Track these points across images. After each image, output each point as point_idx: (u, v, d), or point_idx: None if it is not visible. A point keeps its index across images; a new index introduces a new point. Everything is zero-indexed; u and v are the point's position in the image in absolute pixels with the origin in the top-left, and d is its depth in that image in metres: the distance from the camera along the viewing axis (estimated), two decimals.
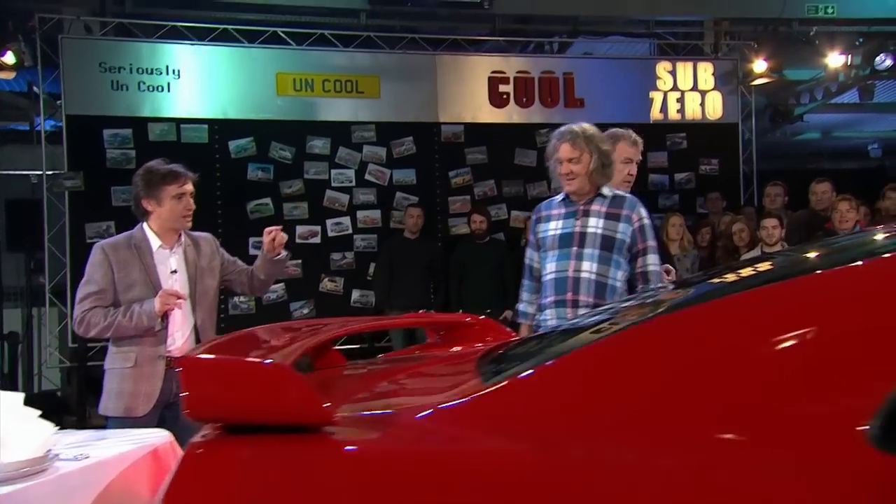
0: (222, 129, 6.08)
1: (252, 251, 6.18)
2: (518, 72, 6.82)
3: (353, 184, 6.44)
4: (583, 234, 2.69)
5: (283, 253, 2.93)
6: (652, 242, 2.74)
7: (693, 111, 7.14)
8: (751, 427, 0.97)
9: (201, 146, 6.01)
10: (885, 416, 0.93)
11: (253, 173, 6.18)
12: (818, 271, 1.23)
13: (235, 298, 6.00)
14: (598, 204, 2.73)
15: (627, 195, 2.81)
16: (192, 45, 6.04)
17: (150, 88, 5.87)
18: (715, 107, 7.20)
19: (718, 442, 0.97)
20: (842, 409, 0.95)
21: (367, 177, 6.47)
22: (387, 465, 1.08)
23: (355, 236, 6.43)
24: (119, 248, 2.78)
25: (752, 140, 7.46)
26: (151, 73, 5.86)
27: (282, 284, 6.22)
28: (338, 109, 6.39)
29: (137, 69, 5.84)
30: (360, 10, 6.79)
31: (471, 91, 6.73)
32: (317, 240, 6.33)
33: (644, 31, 7.60)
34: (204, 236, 3.00)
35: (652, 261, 2.72)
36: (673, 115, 7.09)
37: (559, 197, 2.84)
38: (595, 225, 2.69)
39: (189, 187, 2.84)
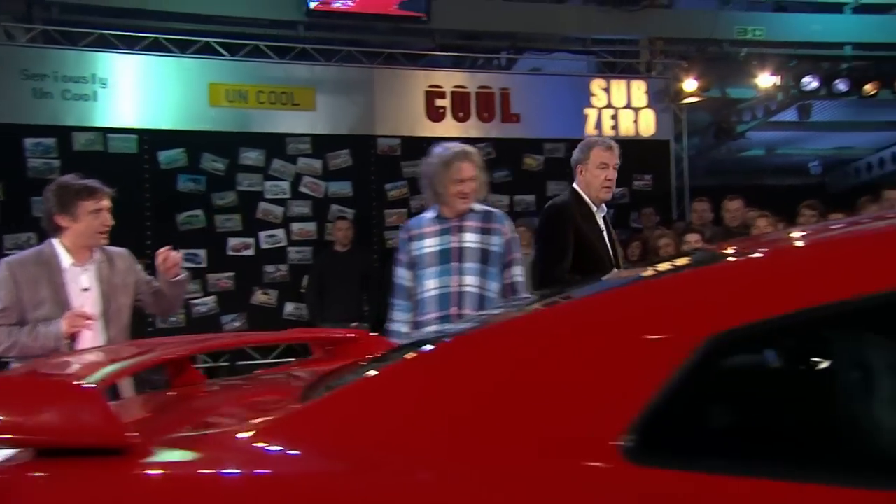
0: (152, 139, 5.98)
1: (183, 263, 6.11)
2: (455, 86, 6.89)
3: (288, 196, 6.40)
4: (461, 250, 2.76)
5: (182, 274, 2.88)
6: (517, 255, 2.87)
7: (627, 128, 7.30)
8: (515, 444, 0.99)
9: (130, 156, 5.90)
10: (639, 429, 0.97)
11: (184, 184, 6.09)
12: (583, 295, 1.28)
13: None
14: (472, 219, 2.83)
15: (495, 210, 2.92)
16: (120, 53, 5.95)
17: (76, 97, 5.75)
18: (648, 124, 7.37)
19: (493, 458, 1.00)
20: (596, 424, 0.99)
21: (301, 189, 6.44)
22: (191, 486, 1.07)
23: (289, 249, 6.38)
24: (26, 265, 2.70)
25: (685, 156, 7.65)
26: (77, 81, 5.74)
27: (213, 297, 6.15)
28: (272, 121, 6.36)
29: (62, 77, 5.71)
30: (297, 22, 6.79)
31: (407, 105, 6.77)
32: (250, 252, 6.27)
33: (581, 49, 7.76)
34: (119, 252, 2.92)
35: (518, 272, 2.85)
36: (607, 131, 7.23)
37: (430, 214, 2.89)
38: (472, 239, 2.78)
39: (106, 202, 2.78)
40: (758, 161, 13.61)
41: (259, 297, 6.29)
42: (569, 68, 7.83)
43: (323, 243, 6.36)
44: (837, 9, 8.03)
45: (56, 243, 2.75)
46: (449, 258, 2.75)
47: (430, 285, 2.74)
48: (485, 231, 2.81)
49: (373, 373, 1.18)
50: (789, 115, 10.52)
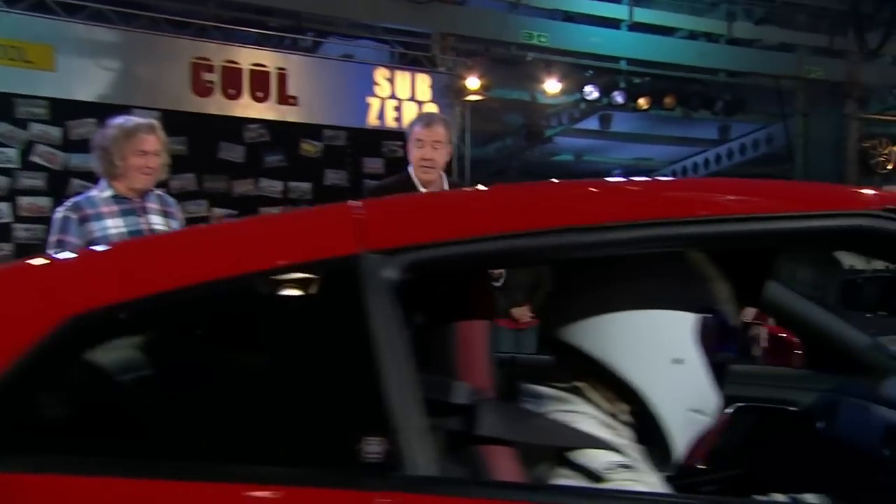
0: None
1: None
2: (226, 61, 6.45)
3: (17, 165, 5.64)
4: (151, 232, 2.65)
5: None
6: None
7: (410, 120, 7.23)
8: None
9: None
10: None
11: None
12: None
13: None
14: (152, 201, 2.76)
15: (165, 194, 2.91)
16: None
17: None
18: None
19: None
20: None
21: (34, 159, 5.70)
22: None
23: (15, 225, 5.62)
24: None
25: (466, 154, 7.74)
26: None
27: None
28: None
29: None
30: None
31: (169, 75, 6.23)
32: None
33: (370, 36, 7.62)
34: None
35: None
36: (390, 122, 7.13)
37: (104, 193, 2.69)
38: (157, 222, 2.72)
39: None
40: (567, 166, 14.36)
41: None
42: (362, 56, 7.65)
43: None
44: (615, 24, 8.55)
45: None
46: None
47: None
48: (166, 214, 2.77)
49: None
50: (594, 123, 11.18)
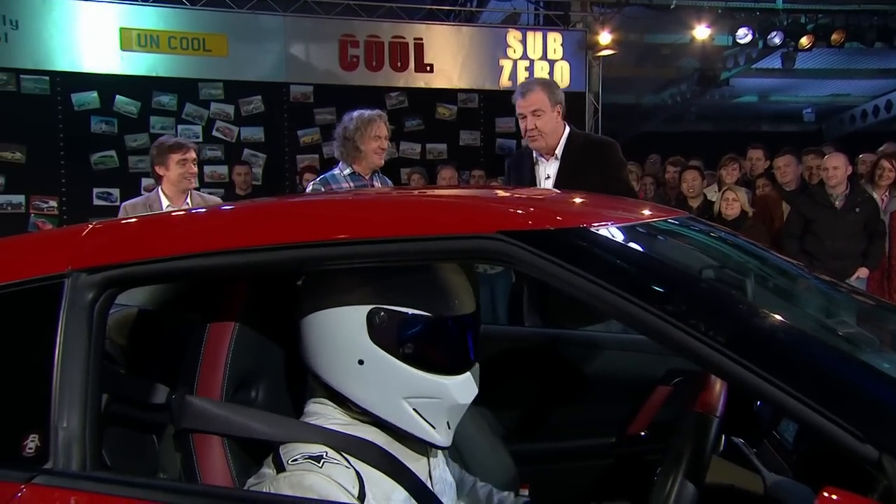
0: (64, 81, 6.52)
1: (96, 201, 6.71)
2: (368, 36, 7.35)
3: (201, 139, 6.95)
4: None
5: None
6: None
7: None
8: None
9: (42, 98, 6.46)
10: None
11: (96, 126, 6.65)
12: None
13: None
14: (376, 179, 3.53)
15: (382, 175, 3.64)
16: None
17: None
18: (563, 76, 7.80)
19: None
20: None
21: (214, 133, 6.99)
22: None
23: (202, 190, 6.94)
24: None
25: (599, 107, 8.07)
26: None
27: None
28: (184, 66, 6.86)
29: None
30: None
31: (320, 53, 7.25)
32: None
33: None
34: None
35: None
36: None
37: (345, 171, 3.47)
38: None
39: None
40: (750, 108, 13.85)
41: None
42: (494, 19, 8.22)
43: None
44: None
45: None
46: None
47: None
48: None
49: None
50: (776, 61, 10.68)
